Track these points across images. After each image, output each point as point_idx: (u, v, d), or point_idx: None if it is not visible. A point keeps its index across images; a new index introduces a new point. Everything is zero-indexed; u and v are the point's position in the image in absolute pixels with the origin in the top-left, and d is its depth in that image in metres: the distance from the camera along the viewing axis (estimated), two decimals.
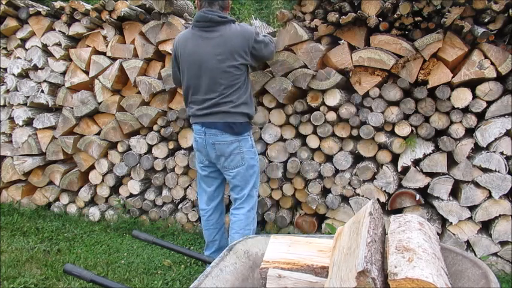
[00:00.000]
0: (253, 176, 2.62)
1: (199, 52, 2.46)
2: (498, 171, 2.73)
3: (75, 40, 3.71)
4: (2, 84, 3.86)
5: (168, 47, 3.30)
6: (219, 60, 2.43)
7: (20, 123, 3.80)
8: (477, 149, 2.82)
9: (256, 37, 2.52)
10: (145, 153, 3.54)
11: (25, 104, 3.81)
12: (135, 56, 3.46)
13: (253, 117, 2.72)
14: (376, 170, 3.00)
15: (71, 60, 3.65)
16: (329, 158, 3.13)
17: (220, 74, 2.44)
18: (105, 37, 3.54)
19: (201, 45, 2.46)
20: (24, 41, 3.79)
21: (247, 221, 2.57)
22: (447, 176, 2.87)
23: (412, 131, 2.87)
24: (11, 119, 3.87)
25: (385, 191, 3.00)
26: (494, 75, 2.65)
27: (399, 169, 2.97)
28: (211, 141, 2.53)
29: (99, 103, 3.60)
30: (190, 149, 3.43)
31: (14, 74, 3.77)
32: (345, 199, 3.19)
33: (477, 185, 2.81)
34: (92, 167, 3.74)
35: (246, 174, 2.58)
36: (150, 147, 3.53)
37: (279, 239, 1.72)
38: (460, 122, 2.78)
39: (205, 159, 2.66)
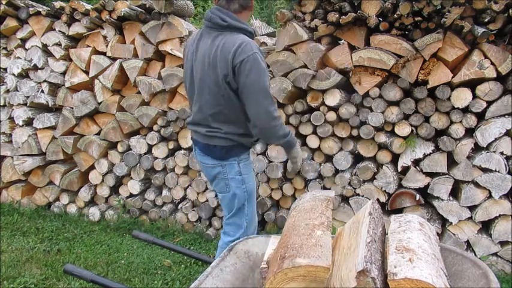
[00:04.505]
0: (239, 205, 2.20)
1: (195, 56, 2.10)
2: (498, 171, 2.72)
3: (75, 40, 3.71)
4: (2, 84, 3.86)
5: (168, 47, 3.31)
6: (204, 70, 2.03)
7: (20, 123, 3.80)
8: (477, 149, 2.82)
9: (246, 63, 1.89)
10: (145, 153, 3.54)
11: (25, 104, 3.81)
12: (135, 56, 3.46)
13: (250, 140, 2.21)
14: (376, 170, 3.00)
15: (71, 60, 3.65)
16: (329, 158, 3.13)
17: (203, 88, 2.05)
18: (105, 37, 3.54)
19: (199, 48, 2.08)
20: (24, 41, 3.78)
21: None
22: (447, 176, 2.87)
23: (412, 131, 2.87)
24: (11, 119, 3.87)
25: (385, 191, 3.00)
26: (494, 75, 2.65)
27: (399, 169, 2.96)
28: (198, 158, 2.25)
29: (99, 103, 3.60)
30: (190, 149, 3.43)
31: (14, 74, 3.77)
32: (345, 199, 3.19)
33: (477, 185, 2.81)
34: (92, 167, 3.73)
35: (231, 203, 2.20)
36: (150, 147, 3.53)
37: (279, 239, 1.72)
38: (460, 122, 2.77)
39: None
